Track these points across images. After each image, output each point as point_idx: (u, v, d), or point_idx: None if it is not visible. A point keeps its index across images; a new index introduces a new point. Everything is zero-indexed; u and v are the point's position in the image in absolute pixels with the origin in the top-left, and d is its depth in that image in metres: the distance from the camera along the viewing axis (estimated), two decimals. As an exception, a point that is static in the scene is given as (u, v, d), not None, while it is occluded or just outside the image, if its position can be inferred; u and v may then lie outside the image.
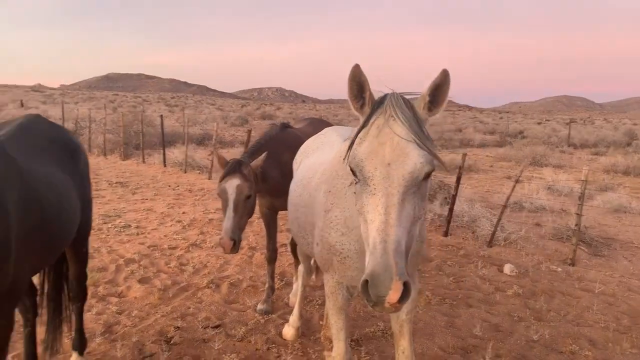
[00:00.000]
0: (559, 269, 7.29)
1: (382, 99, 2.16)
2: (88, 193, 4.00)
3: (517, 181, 8.75)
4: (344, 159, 2.37)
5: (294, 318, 4.82)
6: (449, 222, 8.99)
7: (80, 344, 4.13)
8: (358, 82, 2.18)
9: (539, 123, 51.72)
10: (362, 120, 2.20)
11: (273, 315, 5.32)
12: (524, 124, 48.99)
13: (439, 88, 2.15)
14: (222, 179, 4.66)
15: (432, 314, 5.45)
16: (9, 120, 3.63)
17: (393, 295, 1.80)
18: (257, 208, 5.00)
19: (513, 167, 19.08)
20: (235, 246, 4.46)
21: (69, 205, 3.32)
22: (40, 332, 4.04)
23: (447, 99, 2.18)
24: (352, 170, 2.14)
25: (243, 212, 4.59)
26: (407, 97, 2.20)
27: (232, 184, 4.55)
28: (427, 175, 2.05)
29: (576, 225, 7.74)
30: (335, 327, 3.16)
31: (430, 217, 9.79)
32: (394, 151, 2.00)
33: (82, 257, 4.16)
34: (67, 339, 4.52)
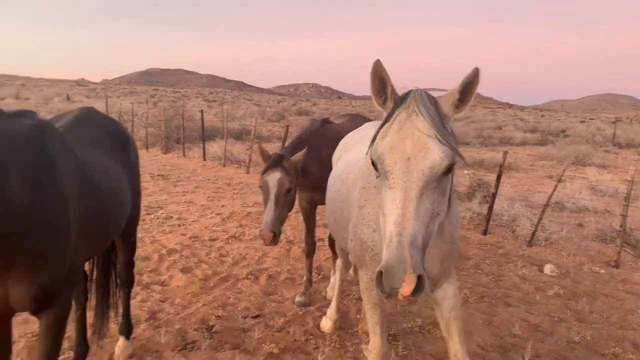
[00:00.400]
0: (602, 271, 7.12)
1: (406, 95, 2.17)
2: (137, 184, 4.15)
3: (559, 180, 8.58)
4: (366, 153, 2.39)
5: (331, 311, 4.86)
6: (488, 220, 8.88)
7: (127, 329, 4.29)
8: (380, 78, 2.21)
9: (582, 122, 50.23)
10: (385, 115, 2.23)
11: (311, 308, 5.40)
12: (566, 122, 47.70)
13: (470, 86, 2.14)
14: (264, 172, 4.75)
15: (471, 312, 5.42)
16: (64, 112, 3.80)
17: (406, 288, 1.81)
18: (296, 202, 5.08)
19: (555, 166, 18.65)
20: (274, 238, 4.54)
21: (122, 195, 3.46)
22: (89, 316, 4.22)
23: (474, 97, 2.18)
24: (373, 164, 2.16)
25: (283, 205, 4.67)
26: (433, 93, 2.21)
27: (274, 178, 4.63)
28: (447, 171, 2.04)
29: (621, 226, 7.54)
30: (371, 322, 3.19)
31: (469, 216, 9.69)
32: (414, 146, 2.02)
33: (131, 245, 4.32)
34: (113, 324, 4.71)
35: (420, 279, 1.83)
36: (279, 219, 4.63)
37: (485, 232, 8.82)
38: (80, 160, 2.87)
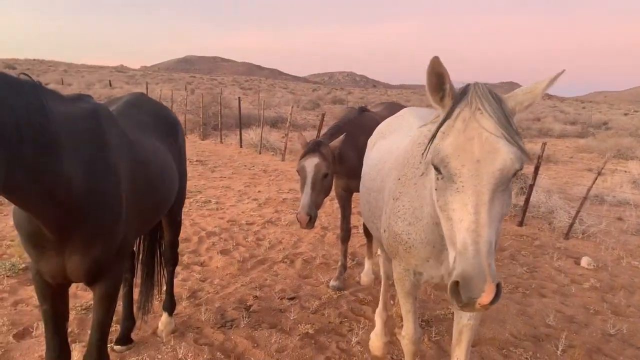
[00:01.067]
0: (641, 265, 7.00)
1: (465, 90, 2.06)
2: (184, 166, 4.33)
3: (599, 173, 8.42)
4: (422, 154, 2.32)
5: (378, 328, 4.36)
6: (524, 211, 8.81)
7: (170, 306, 4.49)
8: (437, 74, 2.07)
9: (626, 114, 48.68)
10: (443, 112, 2.10)
11: (345, 292, 5.51)
12: (608, 114, 46.32)
13: (548, 86, 2.06)
14: (302, 157, 4.86)
15: (504, 302, 5.44)
16: (116, 97, 3.99)
17: (485, 298, 1.76)
18: (332, 189, 5.18)
19: (595, 159, 18.23)
20: (310, 222, 4.65)
21: (170, 175, 3.63)
22: (136, 292, 4.43)
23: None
24: (434, 166, 2.05)
25: (320, 190, 4.78)
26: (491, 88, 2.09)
27: (311, 163, 4.74)
28: (516, 172, 1.96)
29: (663, 221, 7.37)
30: (404, 310, 3.19)
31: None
32: (483, 147, 1.91)
33: (176, 225, 4.52)
34: (157, 301, 4.93)
35: (498, 287, 1.79)
36: (315, 203, 4.74)
37: (521, 224, 8.75)
38: (132, 141, 3.04)
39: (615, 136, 24.12)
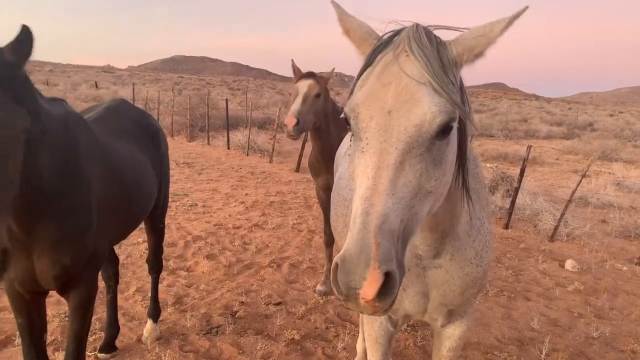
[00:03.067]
0: (625, 268, 7.09)
1: (398, 32, 1.63)
2: (166, 173, 4.30)
3: (583, 175, 8.53)
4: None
5: (359, 339, 4.25)
6: (510, 214, 8.88)
7: (155, 312, 4.46)
8: (345, 30, 1.79)
9: (611, 115, 49.20)
10: (365, 56, 1.69)
11: (331, 297, 5.51)
12: (594, 115, 46.78)
13: (507, 27, 1.55)
14: (297, 82, 4.88)
15: (489, 305, 5.48)
16: (98, 103, 3.97)
17: (368, 289, 1.28)
18: (314, 194, 5.17)
19: (580, 160, 18.41)
20: (297, 127, 4.54)
21: (147, 183, 3.61)
22: (120, 299, 4.40)
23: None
24: (346, 122, 1.62)
25: (310, 107, 4.71)
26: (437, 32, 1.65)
27: (305, 83, 4.80)
28: (443, 130, 1.48)
29: (645, 223, 7.47)
30: None
31: (491, 209, 9.67)
32: (398, 95, 1.48)
33: (159, 232, 4.49)
34: (142, 307, 4.91)
35: (389, 276, 1.30)
36: (304, 115, 4.64)
37: (507, 226, 8.82)
38: (105, 148, 3.02)
39: (600, 138, 24.43)
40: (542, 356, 4.44)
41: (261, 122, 23.04)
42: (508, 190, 10.17)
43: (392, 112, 1.47)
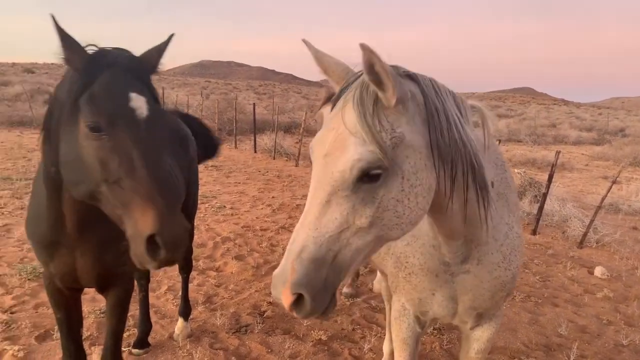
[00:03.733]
0: (656, 276, 6.97)
1: (358, 77, 1.72)
2: (195, 177, 4.44)
3: (614, 182, 8.40)
4: None
5: (387, 340, 4.29)
6: (537, 220, 8.80)
7: (186, 311, 4.58)
8: (321, 68, 1.90)
9: (644, 121, 48.05)
10: (334, 97, 1.82)
11: (358, 299, 5.58)
12: (626, 121, 45.79)
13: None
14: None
15: (516, 310, 5.47)
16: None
17: (284, 302, 1.55)
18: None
19: (611, 166, 18.08)
20: None
21: (175, 182, 3.74)
22: (151, 297, 4.54)
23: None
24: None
25: None
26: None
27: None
28: (363, 176, 1.59)
29: (678, 231, 7.34)
30: None
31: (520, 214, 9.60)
32: (334, 142, 1.63)
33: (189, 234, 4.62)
34: (173, 306, 5.05)
35: (300, 297, 1.54)
36: None
37: (534, 232, 8.74)
38: None
39: (632, 143, 23.88)
40: (570, 362, 4.43)
41: (287, 126, 23.24)
42: (536, 196, 10.07)
43: (327, 156, 1.63)
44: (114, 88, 2.01)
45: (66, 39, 2.03)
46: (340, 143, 1.61)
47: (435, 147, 1.70)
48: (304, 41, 1.89)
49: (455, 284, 2.33)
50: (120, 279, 2.90)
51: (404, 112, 1.65)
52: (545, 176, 9.04)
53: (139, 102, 2.02)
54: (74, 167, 2.07)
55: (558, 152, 9.08)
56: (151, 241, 1.84)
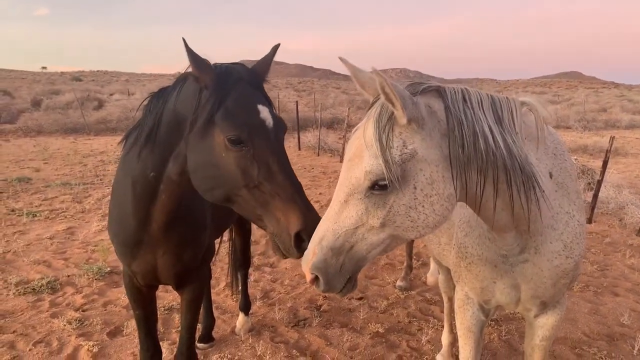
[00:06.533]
0: None
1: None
2: None
3: (673, 166, 8.09)
4: None
5: (445, 332, 4.32)
6: (592, 208, 8.57)
7: (246, 306, 4.74)
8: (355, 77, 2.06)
9: (702, 100, 45.66)
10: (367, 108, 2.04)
11: (412, 292, 5.61)
12: (682, 101, 43.60)
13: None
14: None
15: (575, 300, 5.37)
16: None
17: (306, 277, 1.87)
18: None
19: (668, 150, 17.33)
20: None
21: None
22: (212, 293, 4.69)
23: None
24: None
25: None
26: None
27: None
28: (373, 186, 1.78)
29: None
30: (463, 355, 2.82)
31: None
32: (356, 150, 1.86)
33: (246, 232, 4.78)
34: (233, 301, 5.22)
35: (317, 278, 1.85)
36: None
37: (590, 221, 8.52)
38: None
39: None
40: (635, 352, 4.34)
41: (329, 122, 23.32)
42: (589, 184, 9.81)
43: (350, 161, 1.87)
44: (247, 102, 2.20)
45: (197, 60, 2.18)
46: (359, 152, 1.84)
47: (455, 160, 1.84)
48: (341, 59, 2.04)
49: (515, 273, 2.37)
50: (196, 276, 3.07)
51: (419, 130, 1.80)
52: (598, 163, 8.82)
53: (265, 113, 2.21)
54: (209, 175, 2.22)
55: (612, 138, 8.80)
56: (297, 235, 2.03)
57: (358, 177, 1.81)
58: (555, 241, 2.29)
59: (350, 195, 1.83)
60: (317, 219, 2.03)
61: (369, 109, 1.95)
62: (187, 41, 2.15)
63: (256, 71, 2.39)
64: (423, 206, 1.82)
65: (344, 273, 1.86)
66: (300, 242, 2.04)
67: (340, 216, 1.84)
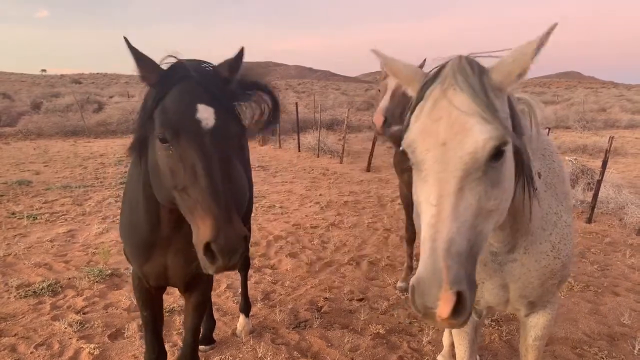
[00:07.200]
0: None
1: (442, 67, 1.77)
2: (250, 177, 4.59)
3: (673, 166, 8.09)
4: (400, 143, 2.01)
5: (446, 332, 4.30)
6: (592, 208, 8.58)
7: (246, 307, 4.74)
8: (390, 70, 1.96)
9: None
10: (415, 93, 1.85)
11: (412, 293, 5.60)
12: (681, 101, 43.61)
13: (541, 46, 1.62)
14: (385, 78, 4.96)
15: (575, 300, 5.38)
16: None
17: (443, 309, 1.42)
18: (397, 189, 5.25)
19: (667, 150, 17.33)
20: (385, 126, 4.60)
21: (243, 186, 3.88)
22: (213, 295, 4.70)
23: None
24: (406, 153, 1.78)
25: (398, 103, 4.67)
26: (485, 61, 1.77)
27: (394, 79, 4.87)
28: (495, 154, 1.59)
29: None
30: (458, 355, 2.82)
31: (572, 203, 9.38)
32: (451, 128, 1.61)
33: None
34: (234, 303, 5.22)
35: (460, 296, 1.43)
36: (392, 111, 4.67)
37: (589, 220, 8.53)
38: None
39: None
40: (635, 352, 4.35)
41: (329, 124, 23.30)
42: (589, 183, 9.82)
43: (446, 143, 1.59)
44: (182, 100, 2.11)
45: (140, 58, 2.17)
46: (459, 127, 1.59)
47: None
48: (374, 51, 1.96)
49: (504, 273, 2.37)
50: (203, 279, 3.06)
51: (501, 95, 1.70)
52: (598, 163, 8.83)
53: (205, 113, 2.09)
54: (155, 174, 2.24)
55: (611, 137, 8.81)
56: (208, 248, 1.93)
57: (473, 152, 1.56)
58: (544, 242, 2.32)
59: (464, 179, 1.57)
60: (235, 233, 1.93)
61: (423, 89, 1.77)
62: (129, 40, 2.12)
63: (213, 72, 2.28)
64: (509, 183, 1.70)
65: (471, 284, 1.51)
66: (213, 255, 1.93)
67: (458, 210, 1.53)
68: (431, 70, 1.80)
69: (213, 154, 2.05)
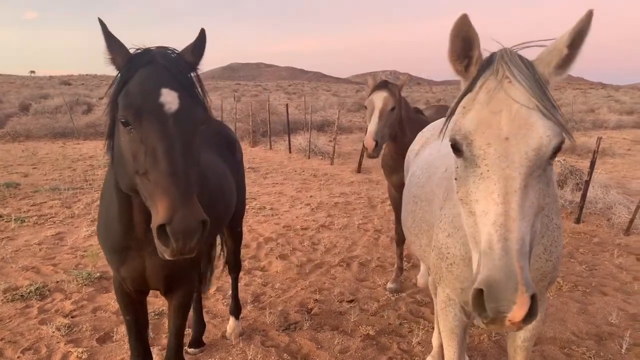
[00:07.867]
0: None
1: (491, 58, 1.72)
2: (242, 180, 4.57)
3: (659, 166, 8.18)
4: (439, 134, 1.96)
5: (435, 333, 4.28)
6: (581, 208, 8.65)
7: (236, 310, 4.72)
8: (464, 38, 1.71)
9: (688, 100, 46.20)
10: (465, 84, 1.78)
11: (403, 294, 5.62)
12: (668, 102, 44.08)
13: (581, 36, 1.59)
14: (371, 93, 5.06)
15: (564, 300, 5.42)
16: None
17: (518, 312, 1.36)
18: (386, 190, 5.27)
19: (655, 150, 17.51)
20: (377, 148, 4.84)
21: (227, 190, 3.85)
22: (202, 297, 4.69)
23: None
24: (453, 146, 1.71)
25: (386, 122, 4.94)
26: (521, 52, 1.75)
27: (380, 95, 4.99)
28: (556, 152, 1.59)
29: None
30: (447, 356, 2.78)
31: (560, 204, 9.46)
32: (513, 122, 1.56)
33: (237, 236, 4.75)
34: (224, 306, 5.20)
35: (533, 299, 1.39)
36: (382, 132, 4.91)
37: (578, 221, 8.59)
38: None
39: (676, 125, 23.11)
40: (623, 351, 4.38)
41: (320, 125, 23.33)
42: (578, 184, 9.89)
43: (509, 138, 1.55)
44: (146, 84, 2.10)
45: (111, 40, 2.19)
46: (522, 121, 1.56)
47: None
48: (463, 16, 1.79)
49: None
50: (185, 281, 3.03)
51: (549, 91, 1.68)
52: (586, 163, 8.88)
53: (169, 97, 2.08)
54: (119, 161, 2.24)
55: (599, 138, 8.88)
56: (164, 231, 1.91)
57: (537, 148, 1.53)
58: (537, 244, 2.30)
59: (529, 175, 1.53)
60: (192, 214, 1.90)
61: (475, 79, 1.72)
62: (104, 22, 2.16)
63: (178, 57, 2.28)
64: (555, 180, 1.71)
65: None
66: (167, 237, 1.90)
67: (524, 208, 1.49)
68: (483, 62, 1.76)
69: (175, 137, 2.03)
